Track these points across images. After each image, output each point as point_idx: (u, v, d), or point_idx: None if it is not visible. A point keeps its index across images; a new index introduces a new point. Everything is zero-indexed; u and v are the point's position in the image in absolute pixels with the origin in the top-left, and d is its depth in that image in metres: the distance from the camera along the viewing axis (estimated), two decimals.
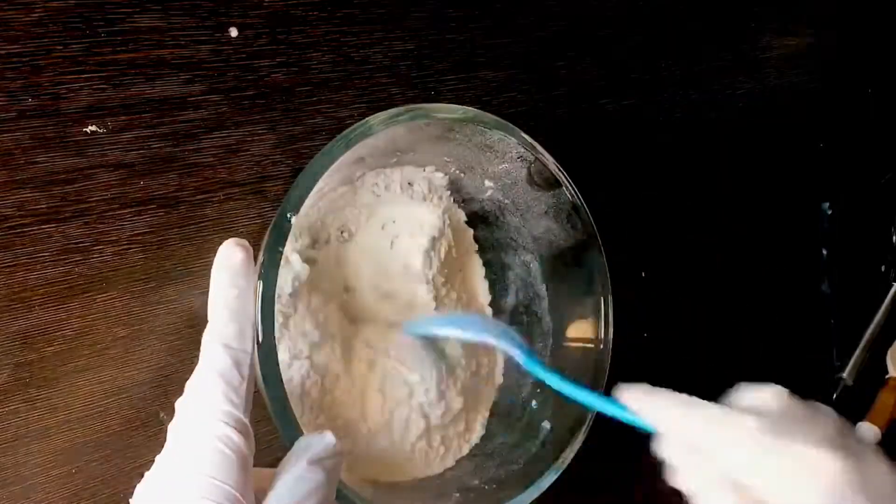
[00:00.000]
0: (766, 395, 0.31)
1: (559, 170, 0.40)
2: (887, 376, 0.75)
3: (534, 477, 0.38)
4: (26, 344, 0.34)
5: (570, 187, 0.40)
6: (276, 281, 0.31)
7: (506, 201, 0.44)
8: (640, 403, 0.32)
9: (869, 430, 0.71)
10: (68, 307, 0.35)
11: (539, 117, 0.49)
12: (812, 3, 0.62)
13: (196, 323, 0.38)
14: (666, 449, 0.31)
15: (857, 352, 0.73)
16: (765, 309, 0.64)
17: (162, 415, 0.37)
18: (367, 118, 0.35)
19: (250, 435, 0.29)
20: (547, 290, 0.45)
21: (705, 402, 0.31)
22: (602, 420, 0.39)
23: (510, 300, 0.47)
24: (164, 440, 0.38)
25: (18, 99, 0.33)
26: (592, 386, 0.40)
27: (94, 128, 0.35)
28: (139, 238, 0.36)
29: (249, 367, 0.31)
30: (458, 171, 0.43)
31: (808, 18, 0.62)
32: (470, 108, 0.37)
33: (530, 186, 0.42)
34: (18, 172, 0.33)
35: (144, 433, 0.37)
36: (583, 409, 0.40)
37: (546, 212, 0.42)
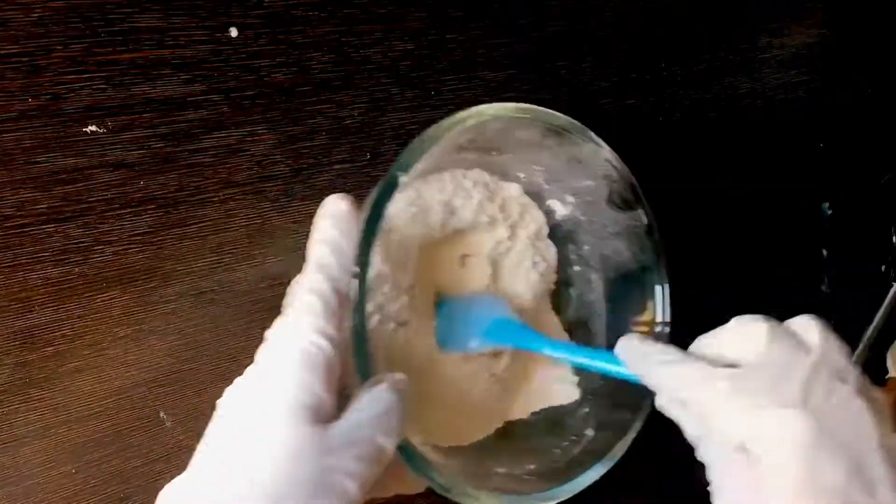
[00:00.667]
0: (743, 341, 0.32)
1: (638, 191, 0.40)
2: (887, 376, 0.75)
3: (572, 476, 0.38)
4: (26, 344, 0.34)
5: (646, 209, 0.40)
6: (377, 233, 0.31)
7: (582, 218, 0.43)
8: (630, 355, 0.34)
9: None
10: (68, 307, 0.35)
11: None
12: (812, 2, 0.62)
13: (197, 323, 0.38)
14: (659, 401, 0.32)
15: (857, 352, 0.73)
16: (765, 309, 0.63)
17: (162, 414, 0.38)
18: (477, 107, 0.35)
19: (340, 351, 0.29)
20: (606, 308, 0.44)
21: (686, 356, 0.32)
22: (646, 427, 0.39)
23: (569, 314, 0.46)
24: (165, 440, 0.38)
25: (18, 99, 0.33)
26: (639, 403, 0.39)
27: (94, 128, 0.35)
28: (139, 238, 0.36)
29: (345, 300, 0.30)
30: (543, 183, 0.42)
31: (807, 18, 0.62)
32: (571, 119, 0.37)
33: (608, 206, 0.41)
34: (18, 172, 0.33)
35: (144, 433, 0.37)
36: (627, 419, 0.39)
37: (619, 233, 0.42)
